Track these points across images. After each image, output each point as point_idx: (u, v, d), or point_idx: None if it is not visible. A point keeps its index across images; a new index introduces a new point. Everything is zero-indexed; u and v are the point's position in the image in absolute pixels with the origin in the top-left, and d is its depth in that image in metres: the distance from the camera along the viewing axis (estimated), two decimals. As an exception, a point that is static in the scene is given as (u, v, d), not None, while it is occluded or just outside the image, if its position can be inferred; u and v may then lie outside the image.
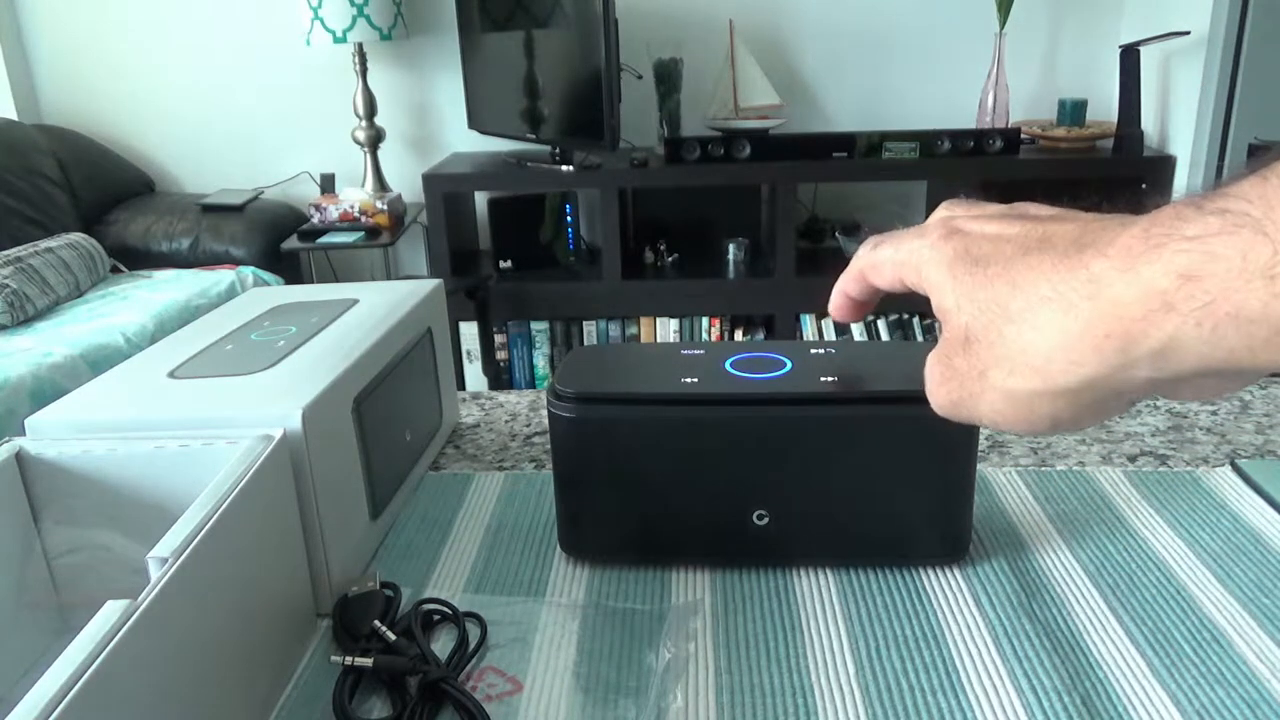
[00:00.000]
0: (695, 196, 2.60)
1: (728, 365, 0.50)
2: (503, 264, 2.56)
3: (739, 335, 2.54)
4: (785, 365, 0.50)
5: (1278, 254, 0.21)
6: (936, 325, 0.33)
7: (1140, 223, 0.25)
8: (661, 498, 0.50)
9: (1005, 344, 0.27)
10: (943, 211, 0.34)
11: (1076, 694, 0.41)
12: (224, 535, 0.39)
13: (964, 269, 0.30)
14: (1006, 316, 0.27)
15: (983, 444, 0.65)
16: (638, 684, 0.43)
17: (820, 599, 0.49)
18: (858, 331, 2.48)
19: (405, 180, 2.72)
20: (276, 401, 0.47)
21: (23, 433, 0.47)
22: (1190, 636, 0.45)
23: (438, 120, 2.76)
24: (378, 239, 2.43)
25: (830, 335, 2.48)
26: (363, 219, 2.46)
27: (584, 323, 2.55)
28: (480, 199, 2.71)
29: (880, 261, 0.35)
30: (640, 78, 2.53)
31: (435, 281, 0.68)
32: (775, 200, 2.46)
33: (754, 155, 2.37)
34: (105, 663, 0.30)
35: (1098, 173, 2.41)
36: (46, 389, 1.66)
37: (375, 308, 0.61)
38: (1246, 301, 0.22)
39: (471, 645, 0.45)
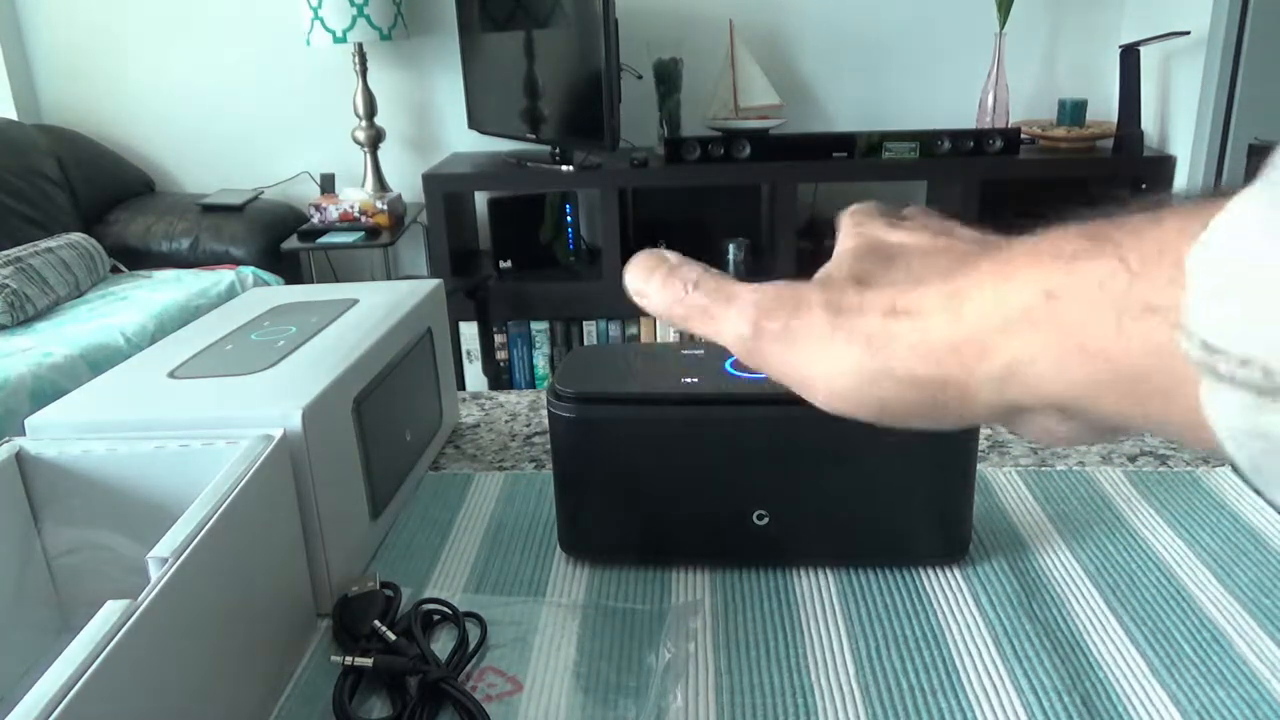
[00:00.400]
0: (695, 196, 2.60)
1: (728, 365, 0.50)
2: (503, 264, 2.56)
3: (739, 335, 2.54)
4: (785, 365, 0.50)
5: (1133, 284, 0.20)
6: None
7: (1034, 238, 0.23)
8: (661, 498, 0.50)
9: (872, 321, 0.25)
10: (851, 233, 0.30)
11: (1076, 694, 0.41)
12: (224, 535, 0.39)
13: (867, 254, 0.28)
14: (893, 294, 0.25)
15: (983, 444, 0.65)
16: (638, 684, 0.43)
17: (820, 599, 0.49)
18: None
19: (405, 180, 2.71)
20: (276, 401, 0.47)
21: (23, 433, 0.47)
22: (1190, 636, 0.45)
23: (438, 120, 2.76)
24: (378, 239, 2.42)
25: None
26: (363, 219, 2.46)
27: (584, 323, 2.55)
28: (480, 199, 2.71)
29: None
30: (640, 78, 2.53)
31: (435, 281, 0.68)
32: (775, 200, 2.46)
33: (754, 155, 2.37)
34: (105, 663, 0.30)
35: (1098, 173, 2.41)
36: (46, 389, 1.66)
37: (375, 308, 0.61)
38: (1094, 334, 0.20)
39: (471, 645, 0.45)
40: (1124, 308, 0.20)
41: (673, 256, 0.31)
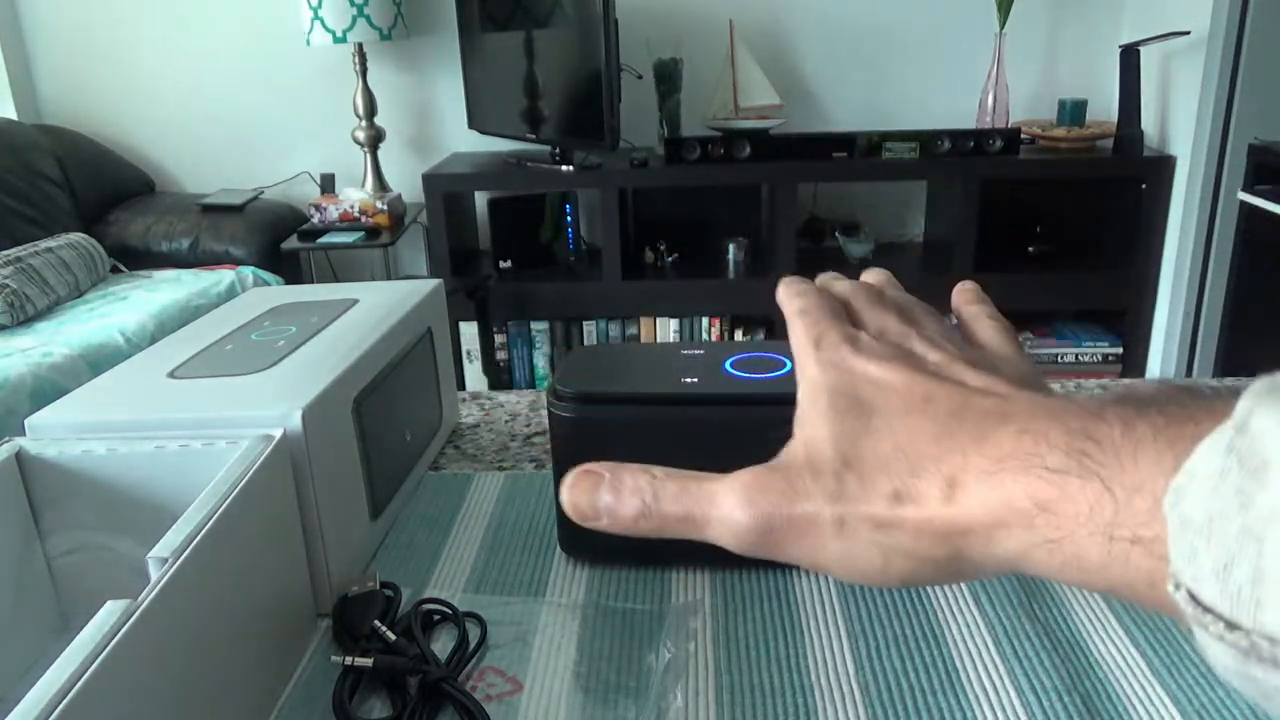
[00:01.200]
0: (695, 196, 2.60)
1: (728, 365, 0.50)
2: (503, 264, 2.56)
3: (739, 335, 2.54)
4: (785, 365, 0.50)
5: (1119, 514, 0.21)
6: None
7: (1015, 422, 0.24)
8: (661, 498, 0.50)
9: (878, 507, 0.26)
10: (824, 349, 0.29)
11: (1076, 694, 0.41)
12: (224, 535, 0.39)
13: (845, 407, 0.27)
14: (891, 480, 0.26)
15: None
16: (638, 684, 0.43)
17: (820, 599, 0.49)
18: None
19: (405, 180, 2.71)
20: (276, 401, 0.47)
21: (23, 433, 0.47)
22: (1190, 636, 0.45)
23: (438, 120, 2.76)
24: (378, 239, 2.43)
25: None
26: (363, 219, 2.46)
27: (584, 323, 2.55)
28: (480, 199, 2.71)
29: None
30: (640, 78, 2.53)
31: (435, 281, 0.68)
32: (775, 200, 2.46)
33: (754, 155, 2.37)
34: (105, 663, 0.30)
35: (1098, 173, 2.41)
36: (46, 389, 1.66)
37: (375, 308, 0.61)
38: (1088, 551, 0.22)
39: (471, 645, 0.45)
40: (1113, 533, 0.21)
41: (605, 470, 0.29)
